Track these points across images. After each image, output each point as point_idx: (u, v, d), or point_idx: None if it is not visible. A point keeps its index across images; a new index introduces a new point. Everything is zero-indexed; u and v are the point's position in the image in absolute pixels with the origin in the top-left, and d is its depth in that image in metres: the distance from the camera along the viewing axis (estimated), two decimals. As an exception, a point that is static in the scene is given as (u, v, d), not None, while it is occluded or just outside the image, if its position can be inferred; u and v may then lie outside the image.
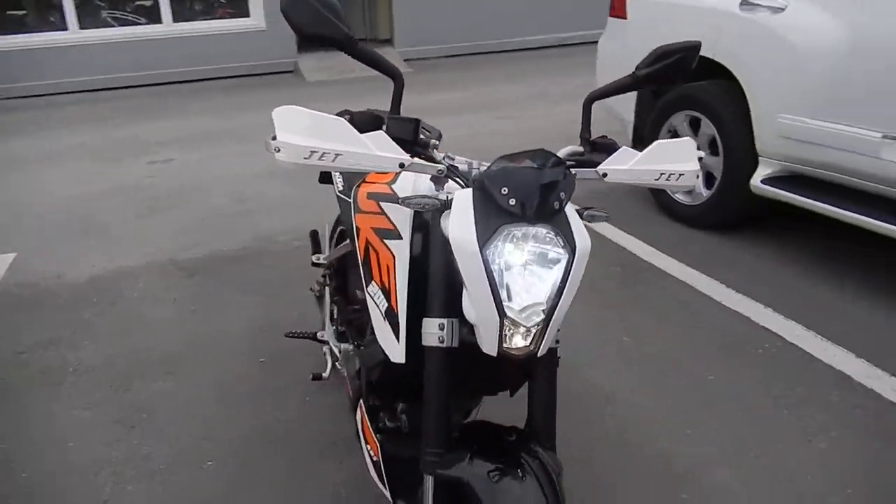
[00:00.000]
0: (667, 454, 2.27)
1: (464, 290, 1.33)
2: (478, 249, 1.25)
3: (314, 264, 2.61)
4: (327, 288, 2.42)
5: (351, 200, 1.70)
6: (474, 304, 1.28)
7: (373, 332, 1.83)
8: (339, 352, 2.17)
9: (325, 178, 2.71)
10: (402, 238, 1.47)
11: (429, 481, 1.38)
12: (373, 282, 1.56)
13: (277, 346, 3.03)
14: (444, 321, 1.37)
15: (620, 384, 2.63)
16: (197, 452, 2.39)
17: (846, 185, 3.25)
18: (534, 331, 1.29)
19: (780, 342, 2.86)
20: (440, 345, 1.37)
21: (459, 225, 1.28)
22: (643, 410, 2.49)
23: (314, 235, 2.70)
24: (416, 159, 1.34)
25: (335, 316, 2.35)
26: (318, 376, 2.23)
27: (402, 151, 1.32)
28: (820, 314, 3.03)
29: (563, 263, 1.28)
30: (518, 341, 1.29)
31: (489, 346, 1.31)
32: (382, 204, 1.56)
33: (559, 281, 1.28)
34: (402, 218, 1.50)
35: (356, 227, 1.64)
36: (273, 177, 5.41)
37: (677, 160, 1.49)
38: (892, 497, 2.06)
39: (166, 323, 3.27)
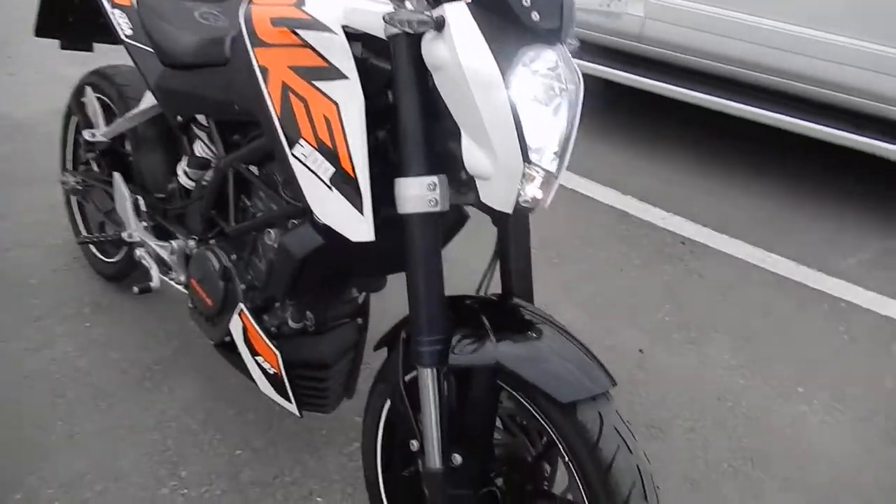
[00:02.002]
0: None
1: (463, 136, 1.07)
2: (501, 81, 1.00)
3: (88, 143, 1.92)
4: (117, 174, 1.80)
5: (242, 29, 1.22)
6: (491, 150, 1.04)
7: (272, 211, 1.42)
8: (171, 252, 1.66)
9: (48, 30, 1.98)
10: (347, 77, 1.11)
11: (428, 375, 1.14)
12: (301, 140, 1.16)
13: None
14: (434, 179, 1.09)
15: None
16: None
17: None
18: (547, 180, 1.10)
19: (563, 189, 3.06)
20: (432, 209, 1.10)
21: (470, 51, 1.00)
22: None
23: (80, 104, 1.96)
24: None
25: (142, 209, 1.78)
26: (147, 288, 1.70)
27: None
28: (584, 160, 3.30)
29: (575, 95, 1.10)
30: (533, 191, 1.09)
31: (503, 201, 1.09)
32: (302, 32, 1.14)
33: (571, 116, 1.10)
34: (338, 50, 1.12)
35: (260, 66, 1.19)
36: None
37: None
38: (696, 306, 2.41)
39: None
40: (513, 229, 1.27)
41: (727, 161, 3.47)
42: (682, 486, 1.71)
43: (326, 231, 1.20)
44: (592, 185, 3.11)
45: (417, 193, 1.09)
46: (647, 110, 3.93)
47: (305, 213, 1.25)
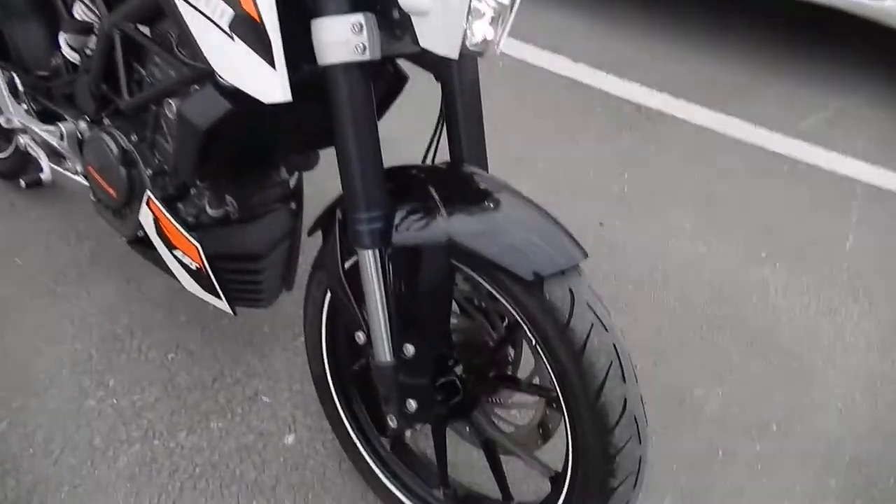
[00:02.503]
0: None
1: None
2: None
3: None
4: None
5: None
6: None
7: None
8: (60, 137, 1.42)
9: None
10: None
11: (369, 258, 0.98)
12: (190, -22, 0.92)
13: None
14: (359, 18, 0.88)
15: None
16: None
17: None
18: (499, 15, 0.91)
19: (507, 59, 2.83)
20: (359, 57, 0.90)
21: None
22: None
23: None
24: None
25: (20, 89, 1.50)
26: (36, 181, 1.46)
27: None
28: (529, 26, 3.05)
29: None
30: (482, 30, 0.91)
31: (446, 44, 0.90)
32: None
33: None
34: None
35: None
36: None
37: None
38: (655, 175, 2.29)
39: None
40: (459, 86, 1.09)
41: (682, 25, 3.26)
42: (647, 358, 1.63)
43: (233, 94, 0.99)
44: (540, 52, 2.88)
45: (340, 38, 0.89)
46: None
47: (208, 75, 1.04)
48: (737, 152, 2.43)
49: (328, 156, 1.30)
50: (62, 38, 1.41)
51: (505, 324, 1.11)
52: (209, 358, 1.56)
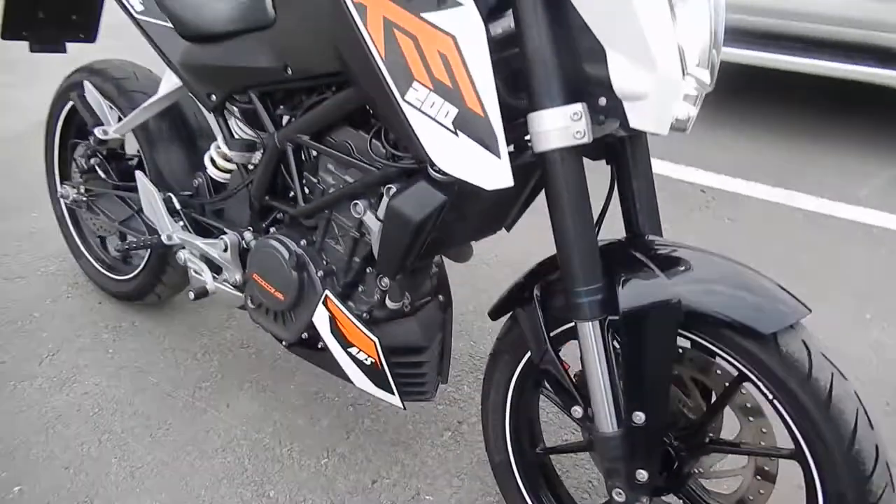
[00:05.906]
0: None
1: (610, 55, 0.94)
2: None
3: (91, 146, 1.71)
4: (140, 174, 1.59)
5: None
6: (652, 64, 0.92)
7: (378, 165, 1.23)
8: (224, 248, 1.47)
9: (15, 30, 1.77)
10: (461, 4, 0.96)
11: (590, 330, 1.01)
12: (415, 83, 1.01)
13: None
14: (578, 107, 0.96)
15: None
16: None
17: None
18: (701, 96, 0.99)
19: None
20: (577, 141, 0.97)
21: None
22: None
23: (83, 100, 1.73)
24: None
25: (176, 207, 1.57)
26: (203, 292, 1.49)
27: None
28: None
29: None
30: (686, 110, 0.98)
31: (658, 122, 0.97)
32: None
33: (714, 18, 0.99)
34: None
35: (356, 4, 1.02)
36: None
37: None
38: (736, 249, 2.35)
39: None
40: (633, 164, 1.15)
41: (728, 110, 3.45)
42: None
43: (447, 186, 1.06)
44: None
45: (560, 125, 0.96)
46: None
47: (402, 174, 1.13)
48: (808, 223, 2.51)
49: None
50: (209, 157, 1.51)
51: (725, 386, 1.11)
52: (362, 461, 1.54)
